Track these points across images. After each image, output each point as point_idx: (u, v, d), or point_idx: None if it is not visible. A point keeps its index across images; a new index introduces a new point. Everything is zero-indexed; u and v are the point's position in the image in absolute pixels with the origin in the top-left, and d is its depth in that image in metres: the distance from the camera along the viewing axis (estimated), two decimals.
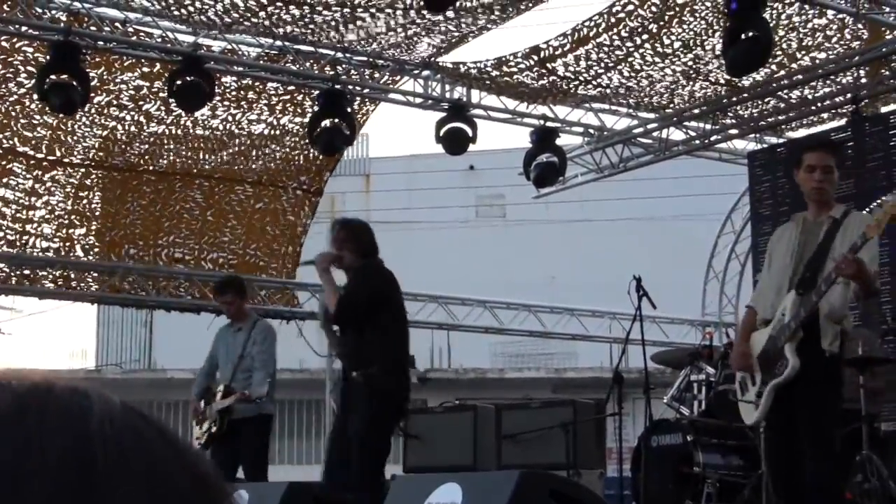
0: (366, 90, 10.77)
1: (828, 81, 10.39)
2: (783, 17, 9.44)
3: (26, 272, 11.81)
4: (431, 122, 10.71)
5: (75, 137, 11.12)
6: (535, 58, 10.04)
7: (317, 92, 10.30)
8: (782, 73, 10.26)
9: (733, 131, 11.76)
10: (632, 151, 12.27)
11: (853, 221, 5.22)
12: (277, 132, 11.53)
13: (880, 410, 6.88)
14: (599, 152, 12.29)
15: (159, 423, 0.70)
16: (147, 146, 11.42)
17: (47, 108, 9.94)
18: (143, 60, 10.11)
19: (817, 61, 10.05)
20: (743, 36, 8.19)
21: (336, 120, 10.01)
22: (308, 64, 10.16)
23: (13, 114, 10.59)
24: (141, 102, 10.75)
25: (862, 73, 10.28)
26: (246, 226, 12.60)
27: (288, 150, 11.87)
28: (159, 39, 9.55)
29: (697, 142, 11.96)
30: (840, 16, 9.39)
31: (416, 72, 10.70)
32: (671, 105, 11.22)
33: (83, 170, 11.51)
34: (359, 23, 9.48)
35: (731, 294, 14.52)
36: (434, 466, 8.26)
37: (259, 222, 12.65)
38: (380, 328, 6.16)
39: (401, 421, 6.44)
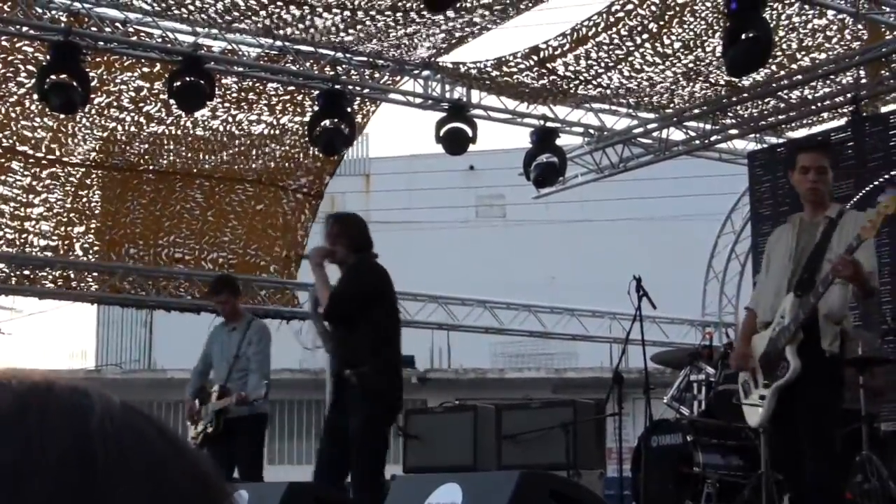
0: (366, 90, 10.77)
1: (828, 81, 10.40)
2: (783, 17, 9.44)
3: (26, 272, 11.81)
4: (431, 122, 10.72)
5: (76, 140, 11.13)
6: (535, 58, 10.04)
7: (317, 92, 10.30)
8: (782, 73, 10.27)
9: (733, 131, 11.76)
10: (632, 151, 12.27)
11: (849, 221, 5.23)
12: (277, 131, 11.53)
13: (880, 411, 6.88)
14: (599, 152, 12.30)
15: (159, 423, 0.70)
16: (147, 146, 11.42)
17: (47, 109, 9.94)
18: (143, 61, 10.12)
19: (817, 62, 10.05)
20: (743, 36, 8.20)
21: (336, 120, 10.01)
22: (308, 64, 10.17)
23: (13, 115, 10.59)
24: (141, 104, 10.75)
25: (862, 73, 10.28)
26: (247, 227, 12.60)
27: (287, 147, 11.87)
28: (159, 40, 9.55)
29: (697, 142, 11.96)
30: (840, 16, 9.39)
31: (416, 72, 10.70)
32: (671, 105, 11.22)
33: (83, 169, 11.52)
34: (359, 26, 9.48)
35: (731, 294, 14.51)
36: (434, 467, 8.26)
37: (260, 224, 12.65)
38: (372, 325, 6.09)
39: (394, 419, 6.36)
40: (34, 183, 11.36)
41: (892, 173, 9.39)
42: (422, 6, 8.60)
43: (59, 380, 0.69)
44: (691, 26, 9.53)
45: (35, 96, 9.55)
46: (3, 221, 11.44)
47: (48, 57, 9.04)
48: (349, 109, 10.24)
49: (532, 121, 11.38)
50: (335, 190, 14.14)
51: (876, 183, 9.41)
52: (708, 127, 11.64)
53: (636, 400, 11.92)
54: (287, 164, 12.17)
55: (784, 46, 9.74)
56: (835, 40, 9.82)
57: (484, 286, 16.09)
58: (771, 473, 5.80)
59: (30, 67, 9.89)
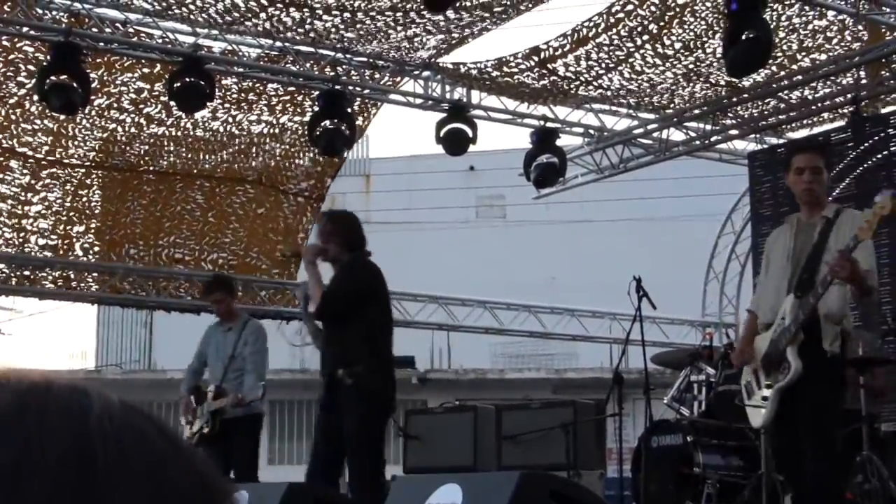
0: (366, 91, 10.77)
1: (828, 82, 10.40)
2: (783, 18, 9.45)
3: (26, 272, 11.81)
4: (432, 122, 10.72)
5: (76, 142, 11.12)
6: (536, 58, 10.04)
7: (317, 93, 10.30)
8: (783, 73, 10.27)
9: (733, 132, 11.76)
10: (632, 152, 12.28)
11: (846, 220, 5.24)
12: (277, 130, 11.53)
13: (881, 411, 6.88)
14: (600, 153, 12.30)
15: (159, 422, 0.70)
16: (147, 147, 11.42)
17: (48, 111, 9.95)
18: (143, 62, 10.12)
19: (818, 62, 10.06)
20: (743, 37, 8.20)
21: (336, 121, 10.00)
22: (308, 65, 10.17)
23: (13, 116, 10.59)
24: (141, 105, 10.75)
25: (862, 73, 10.29)
26: (247, 230, 12.58)
27: (288, 148, 11.87)
28: (160, 40, 9.55)
29: (698, 142, 11.96)
30: (840, 17, 9.39)
31: (416, 72, 10.70)
32: (671, 105, 11.23)
33: (83, 170, 11.51)
34: (359, 26, 9.48)
35: (731, 294, 14.52)
36: (434, 467, 8.26)
37: (261, 227, 12.62)
38: (366, 323, 6.05)
39: (388, 419, 6.29)
40: (33, 182, 11.36)
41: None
42: (422, 7, 8.60)
43: (59, 379, 0.69)
44: (691, 27, 9.53)
45: (35, 97, 9.55)
46: (1, 220, 11.44)
47: (48, 57, 9.05)
48: (349, 110, 10.24)
49: (532, 121, 11.38)
50: (335, 190, 14.13)
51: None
52: (708, 127, 11.64)
53: (636, 400, 11.93)
54: (288, 167, 12.16)
55: (784, 47, 9.74)
56: (835, 41, 9.82)
57: (484, 286, 16.10)
58: (771, 474, 5.80)
59: (30, 68, 9.89)
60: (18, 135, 10.81)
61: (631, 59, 10.01)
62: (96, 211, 11.94)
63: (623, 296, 7.43)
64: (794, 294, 5.22)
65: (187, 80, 9.28)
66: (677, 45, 9.77)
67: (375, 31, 9.63)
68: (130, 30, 9.49)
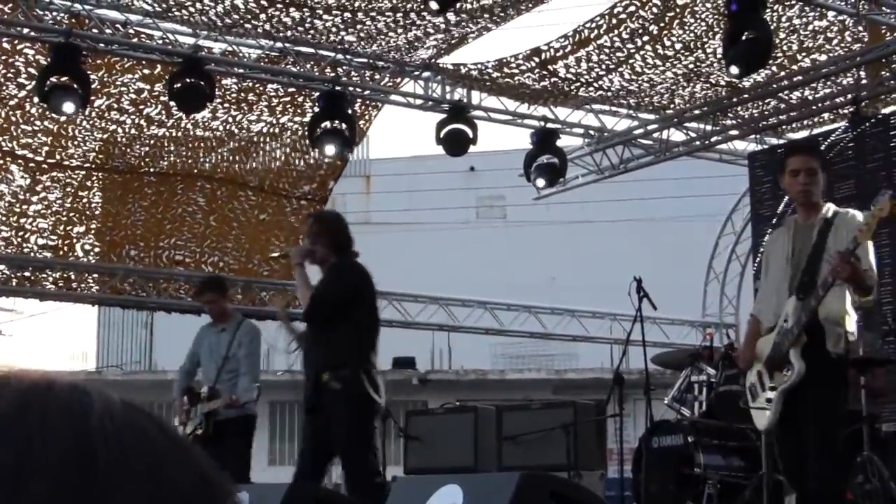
0: (366, 92, 10.77)
1: (828, 82, 10.40)
2: (784, 19, 9.45)
3: (27, 273, 11.81)
4: (432, 123, 10.72)
5: (76, 142, 11.12)
6: (537, 59, 10.05)
7: (317, 93, 10.30)
8: (783, 74, 10.27)
9: (734, 132, 11.76)
10: (632, 152, 12.28)
11: (843, 221, 5.24)
12: (277, 131, 11.53)
13: (881, 411, 6.88)
14: (600, 153, 12.30)
15: (160, 421, 0.70)
16: (147, 148, 11.41)
17: (48, 112, 9.94)
18: (143, 63, 10.12)
19: (818, 63, 10.06)
20: (743, 37, 8.20)
21: (337, 122, 10.00)
22: (308, 66, 10.17)
23: (13, 118, 10.59)
24: (141, 106, 10.75)
25: (862, 74, 10.29)
26: (249, 236, 12.53)
27: (289, 151, 11.86)
28: (160, 41, 9.55)
29: (698, 143, 11.96)
30: (840, 18, 9.40)
31: (416, 73, 10.70)
32: (671, 106, 11.23)
33: (83, 172, 11.51)
34: (359, 26, 9.48)
35: (731, 295, 14.52)
36: (435, 468, 8.26)
37: (264, 234, 12.58)
38: (354, 325, 6.01)
39: (376, 420, 6.23)
40: (33, 184, 11.35)
41: None
42: (422, 7, 8.60)
43: (59, 379, 0.69)
44: (692, 28, 9.53)
45: (36, 99, 9.55)
46: (1, 221, 11.43)
47: (49, 59, 9.05)
48: (350, 111, 10.24)
49: (532, 122, 11.38)
50: (335, 192, 14.14)
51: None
52: (708, 128, 11.64)
53: (637, 401, 11.92)
54: (290, 172, 12.14)
55: (785, 48, 9.75)
56: (835, 42, 9.83)
57: (484, 287, 16.10)
58: (772, 474, 5.80)
59: (31, 70, 9.89)
60: (18, 136, 10.81)
61: (631, 61, 10.02)
62: (97, 212, 11.93)
63: (623, 296, 7.43)
64: (795, 296, 5.22)
65: (187, 80, 9.28)
66: (678, 46, 9.77)
67: (376, 33, 9.64)
68: (131, 31, 9.50)
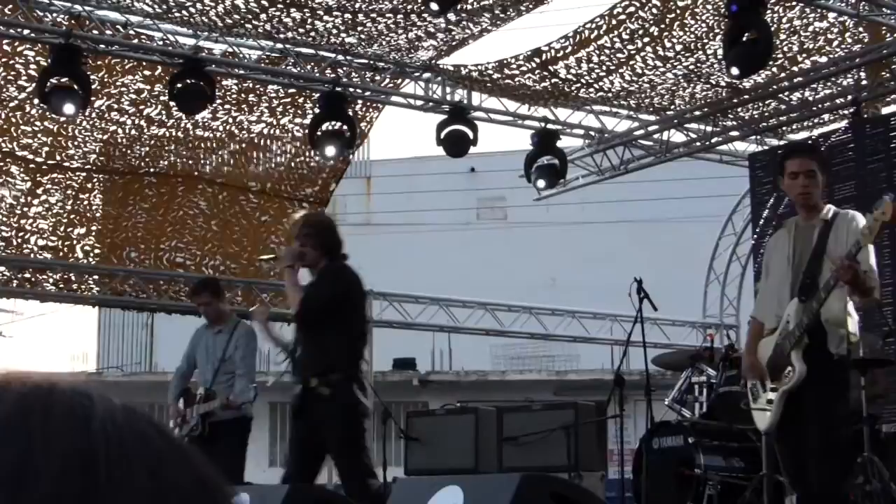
0: (367, 93, 10.77)
1: (828, 83, 10.41)
2: (784, 20, 9.45)
3: (27, 275, 11.80)
4: (432, 124, 10.73)
5: (76, 143, 11.12)
6: (537, 60, 10.05)
7: (317, 95, 10.30)
8: (783, 75, 10.27)
9: (734, 133, 11.77)
10: (632, 153, 12.28)
11: (843, 222, 5.24)
12: (278, 132, 11.53)
13: (882, 412, 6.89)
14: (600, 154, 12.30)
15: (160, 425, 0.70)
16: (148, 149, 11.41)
17: (48, 113, 9.94)
18: (143, 64, 10.12)
19: (818, 64, 10.06)
20: (744, 38, 8.20)
21: (337, 123, 10.01)
22: (309, 67, 10.17)
23: (13, 119, 10.59)
24: (142, 106, 10.76)
25: (862, 74, 10.29)
26: (250, 238, 12.52)
27: (291, 154, 11.86)
28: (160, 42, 9.56)
29: (698, 144, 11.97)
30: (841, 19, 9.40)
31: (416, 74, 10.71)
32: (672, 107, 11.23)
33: (84, 173, 11.51)
34: (359, 27, 9.48)
35: (732, 296, 14.51)
36: (435, 469, 8.26)
37: (265, 235, 12.56)
38: (343, 329, 5.99)
39: (365, 423, 6.21)
40: (34, 186, 11.35)
41: None
42: (422, 8, 8.60)
43: (61, 381, 0.69)
44: (692, 29, 9.54)
45: (36, 100, 9.55)
46: (1, 222, 11.42)
47: (49, 60, 9.05)
48: (350, 112, 10.24)
49: (533, 123, 11.38)
50: (336, 193, 14.15)
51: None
52: (709, 129, 11.65)
53: (637, 402, 11.89)
54: (292, 174, 12.13)
55: (785, 49, 9.75)
56: (836, 43, 9.83)
57: (485, 288, 16.10)
58: (772, 475, 5.80)
59: (31, 72, 9.89)
60: (18, 137, 10.81)
61: (632, 62, 10.02)
62: (97, 214, 11.93)
63: (624, 297, 7.42)
64: (798, 298, 5.22)
65: (188, 81, 9.29)
66: (678, 47, 9.78)
67: (376, 34, 9.64)
68: (131, 32, 9.50)
